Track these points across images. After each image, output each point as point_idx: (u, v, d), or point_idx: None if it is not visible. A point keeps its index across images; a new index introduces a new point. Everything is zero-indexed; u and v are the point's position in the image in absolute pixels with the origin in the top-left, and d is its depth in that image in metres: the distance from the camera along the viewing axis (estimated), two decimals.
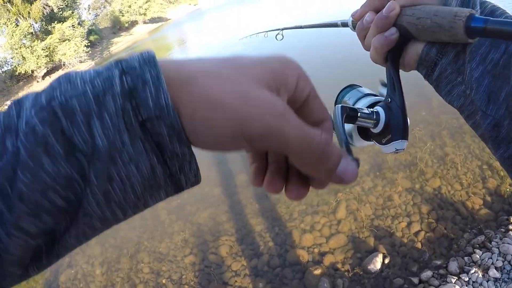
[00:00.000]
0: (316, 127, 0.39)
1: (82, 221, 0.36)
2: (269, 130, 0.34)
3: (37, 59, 30.48)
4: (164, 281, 4.29)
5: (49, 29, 33.67)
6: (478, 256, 3.24)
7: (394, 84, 0.74)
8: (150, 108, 0.34)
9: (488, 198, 3.87)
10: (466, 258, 3.28)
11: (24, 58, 30.30)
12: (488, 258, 3.19)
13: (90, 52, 35.76)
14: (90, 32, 40.24)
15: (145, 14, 51.92)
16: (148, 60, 0.35)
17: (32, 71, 31.05)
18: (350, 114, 0.72)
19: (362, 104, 0.80)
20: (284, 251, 3.99)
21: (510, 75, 0.52)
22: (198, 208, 5.16)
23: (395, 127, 0.73)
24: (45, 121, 0.32)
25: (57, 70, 32.82)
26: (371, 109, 0.76)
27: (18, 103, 0.35)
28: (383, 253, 3.56)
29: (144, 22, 52.78)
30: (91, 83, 0.34)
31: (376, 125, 0.75)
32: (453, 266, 3.22)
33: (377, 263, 3.46)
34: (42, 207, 0.33)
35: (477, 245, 3.37)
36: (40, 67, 31.28)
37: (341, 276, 3.55)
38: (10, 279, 0.37)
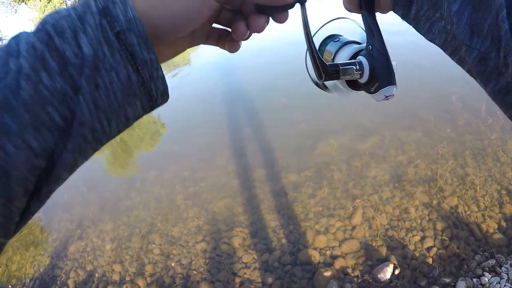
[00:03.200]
0: None
1: (78, 132, 0.42)
2: None
3: None
4: (173, 264, 4.37)
5: None
6: (487, 279, 3.27)
7: (372, 30, 0.72)
8: (121, 21, 0.43)
9: (503, 224, 3.89)
10: (475, 279, 3.31)
11: None
12: (497, 283, 3.21)
13: None
14: None
15: None
16: None
17: None
18: (332, 70, 0.73)
19: (344, 55, 0.79)
20: (297, 250, 4.05)
21: (491, 4, 0.48)
22: (214, 197, 5.22)
23: (380, 74, 0.72)
24: (43, 40, 0.40)
25: None
26: (354, 60, 0.75)
27: (16, 37, 0.42)
28: (394, 264, 3.60)
29: None
30: (73, 8, 0.43)
31: (361, 75, 0.74)
32: (461, 285, 3.25)
33: (387, 272, 3.51)
34: (42, 121, 0.39)
35: (487, 268, 3.40)
36: None
37: (350, 281, 3.60)
38: (18, 204, 0.41)
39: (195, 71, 13.11)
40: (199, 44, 0.63)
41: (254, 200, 4.94)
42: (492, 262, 3.43)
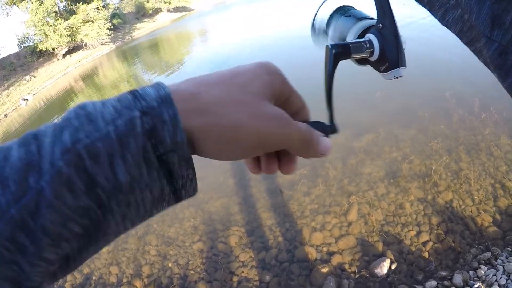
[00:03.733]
0: (299, 119, 0.51)
1: (102, 239, 0.40)
2: (283, 138, 0.44)
3: (59, 37, 30.63)
4: (170, 264, 4.37)
5: (74, 9, 33.78)
6: (483, 272, 3.29)
7: (383, 8, 0.70)
8: (167, 144, 0.38)
9: (498, 217, 3.91)
10: (471, 272, 3.33)
11: (46, 35, 30.44)
12: (493, 275, 3.23)
13: (112, 35, 35.87)
14: (113, 15, 40.31)
15: (169, 3, 52.01)
16: (165, 99, 0.39)
17: (53, 49, 31.20)
18: (342, 51, 0.69)
19: (353, 32, 0.77)
20: (293, 247, 4.06)
21: None
22: (211, 197, 5.23)
23: (391, 55, 0.71)
24: (71, 163, 0.35)
25: (78, 50, 32.96)
26: (364, 39, 0.73)
27: (36, 138, 0.37)
28: (391, 259, 3.62)
29: (168, 11, 52.87)
30: (114, 124, 0.37)
31: (371, 54, 0.73)
32: (458, 278, 3.27)
33: (384, 267, 3.52)
34: (62, 237, 0.36)
35: (483, 261, 3.42)
36: (61, 45, 31.43)
37: (348, 277, 3.61)
38: None
39: (188, 70, 13.13)
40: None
41: (250, 199, 4.95)
42: (487, 255, 3.45)
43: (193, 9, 56.93)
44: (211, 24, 30.20)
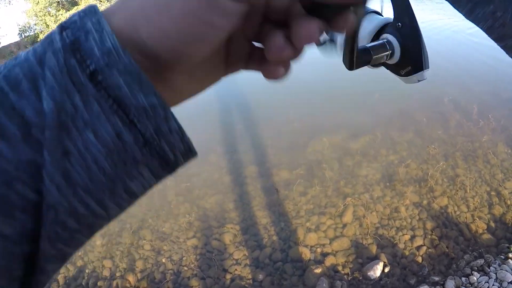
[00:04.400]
0: None
1: (48, 217, 0.30)
2: None
3: None
4: (164, 260, 4.36)
5: (76, 0, 33.64)
6: (476, 279, 3.30)
7: (402, 5, 0.63)
8: (96, 56, 0.30)
9: (492, 224, 3.93)
10: (463, 278, 3.34)
11: (47, 26, 30.19)
12: (485, 282, 3.24)
13: None
14: None
15: None
16: (88, 11, 0.32)
17: None
18: (364, 58, 0.66)
19: (369, 28, 0.72)
20: (287, 247, 4.06)
21: None
22: (206, 193, 5.21)
23: (413, 56, 0.65)
24: None
25: None
26: (382, 40, 0.68)
27: None
28: (384, 262, 3.63)
29: None
30: (33, 49, 0.31)
31: (391, 56, 0.68)
32: (450, 284, 3.29)
33: (377, 270, 3.53)
34: (12, 203, 0.29)
35: (476, 268, 3.43)
36: None
37: (341, 278, 3.62)
38: None
39: None
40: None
41: (245, 196, 4.94)
42: (480, 261, 3.47)
43: None
44: None
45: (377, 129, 5.65)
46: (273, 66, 0.40)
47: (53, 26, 29.30)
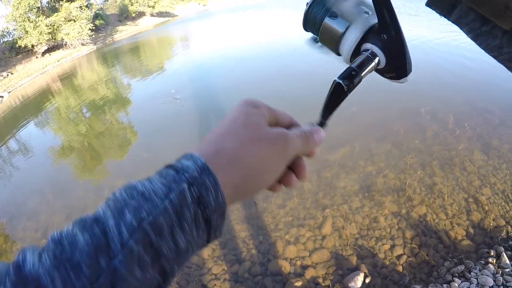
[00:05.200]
0: (293, 127, 0.60)
1: None
2: (294, 146, 0.54)
3: (40, 34, 29.92)
4: None
5: (57, 6, 33.15)
6: (457, 285, 3.28)
7: (387, 16, 0.62)
8: (212, 206, 0.44)
9: (471, 230, 3.93)
10: (445, 285, 3.32)
11: (26, 31, 29.74)
12: None
13: (93, 36, 35.32)
14: (96, 16, 39.68)
15: (153, 7, 51.59)
16: (203, 168, 0.45)
17: (33, 46, 30.39)
18: (353, 84, 0.64)
19: (348, 44, 0.69)
20: (267, 260, 4.00)
21: None
22: None
23: (397, 66, 0.66)
24: (139, 241, 0.39)
25: (58, 49, 32.31)
26: (366, 54, 0.66)
27: (98, 221, 0.40)
28: (365, 273, 3.59)
29: (152, 15, 52.53)
30: (168, 199, 0.42)
31: (377, 65, 0.67)
32: None
33: (358, 281, 3.49)
34: None
35: (457, 274, 3.42)
36: (41, 43, 30.67)
37: None
38: None
39: (168, 77, 13.07)
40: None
41: None
42: (461, 268, 3.46)
43: (177, 15, 56.69)
44: (193, 31, 30.12)
45: (355, 140, 5.67)
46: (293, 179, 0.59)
47: (32, 32, 28.88)
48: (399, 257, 3.74)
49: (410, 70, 0.67)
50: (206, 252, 4.26)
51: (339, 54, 0.73)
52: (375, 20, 0.65)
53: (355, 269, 3.69)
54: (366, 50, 0.67)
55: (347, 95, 0.65)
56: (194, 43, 23.99)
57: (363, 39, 0.67)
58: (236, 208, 4.82)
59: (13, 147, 10.88)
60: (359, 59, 0.65)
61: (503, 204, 4.22)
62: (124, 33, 40.32)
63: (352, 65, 0.65)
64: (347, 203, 4.51)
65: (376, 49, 0.65)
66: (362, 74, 0.64)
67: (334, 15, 0.68)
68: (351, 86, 0.64)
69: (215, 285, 3.91)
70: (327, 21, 0.69)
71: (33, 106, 16.47)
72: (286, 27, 18.98)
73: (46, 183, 7.12)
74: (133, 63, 21.40)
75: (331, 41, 0.71)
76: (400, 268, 3.62)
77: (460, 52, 9.14)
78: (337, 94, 0.66)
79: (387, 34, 0.63)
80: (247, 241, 4.30)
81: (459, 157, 5.03)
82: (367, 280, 3.54)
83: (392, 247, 3.85)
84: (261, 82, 9.57)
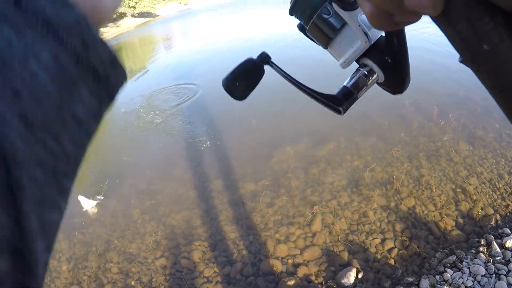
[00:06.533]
0: None
1: (19, 178, 0.28)
2: None
3: None
4: (133, 282, 4.21)
5: None
6: (449, 275, 3.30)
7: (397, 42, 0.62)
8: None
9: (460, 220, 3.95)
10: (437, 276, 3.34)
11: None
12: (459, 278, 3.26)
13: None
14: None
15: (134, 8, 51.23)
16: None
17: None
18: (349, 98, 0.69)
19: (347, 59, 0.68)
20: (258, 260, 3.98)
21: None
22: (172, 210, 5.09)
23: (395, 86, 0.68)
24: None
25: None
26: (363, 71, 0.67)
27: None
28: (357, 268, 3.59)
29: (133, 16, 52.12)
30: None
31: (374, 81, 0.68)
32: (425, 283, 3.27)
33: (350, 277, 3.48)
34: None
35: (448, 265, 3.44)
36: None
37: None
38: None
39: (151, 78, 13.03)
40: None
41: (212, 211, 4.84)
42: (452, 258, 3.48)
43: (158, 15, 56.29)
44: (175, 30, 29.99)
45: (340, 135, 5.66)
46: None
47: None
48: (390, 250, 3.74)
49: (408, 85, 0.68)
50: (196, 255, 4.23)
51: (326, 48, 0.72)
52: (381, 33, 0.64)
53: (347, 265, 3.68)
54: (364, 65, 0.67)
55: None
56: (176, 42, 23.87)
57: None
58: (225, 208, 4.80)
59: None
60: (357, 79, 0.68)
61: (491, 193, 4.25)
62: (105, 35, 38.53)
63: (348, 85, 0.69)
64: (336, 199, 4.50)
65: (376, 69, 0.65)
66: (358, 96, 0.69)
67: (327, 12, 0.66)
68: (346, 108, 0.70)
69: None
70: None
71: None
72: (266, 23, 19.02)
73: None
74: None
75: (322, 36, 0.69)
76: (392, 262, 3.63)
77: (438, 41, 9.20)
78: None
79: (392, 58, 0.63)
80: (237, 242, 4.27)
81: (445, 148, 5.05)
82: (360, 275, 3.54)
83: (383, 240, 3.85)
84: None
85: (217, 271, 4.02)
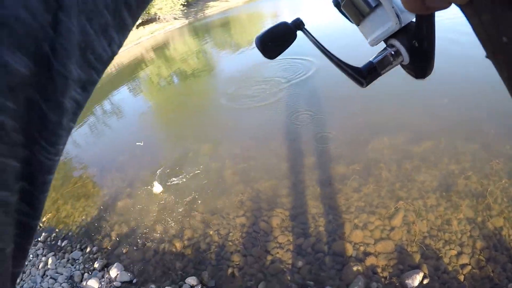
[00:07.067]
0: None
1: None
2: None
3: None
4: (211, 232, 4.56)
5: None
6: None
7: (425, 28, 0.64)
8: None
9: None
10: None
11: None
12: None
13: (185, 11, 36.04)
14: None
15: None
16: None
17: None
18: (372, 73, 0.72)
19: (375, 35, 0.72)
20: (332, 240, 4.12)
21: None
22: (261, 177, 5.34)
23: (418, 70, 0.70)
24: None
25: (151, 22, 33.53)
26: (390, 50, 0.71)
27: None
28: (425, 273, 3.60)
29: None
30: None
31: (398, 63, 0.71)
32: None
33: (415, 280, 3.51)
34: None
35: None
36: None
37: (378, 280, 3.64)
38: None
39: (256, 52, 13.13)
40: None
41: (299, 185, 5.01)
42: None
43: None
44: (284, 8, 29.69)
45: (441, 135, 5.49)
46: None
47: None
48: (463, 266, 3.68)
49: (429, 74, 0.69)
50: (275, 221, 4.47)
51: (358, 25, 0.77)
52: (412, 18, 0.67)
53: (416, 267, 3.69)
54: (392, 45, 0.71)
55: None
56: (285, 19, 23.61)
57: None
58: (312, 185, 4.95)
59: (107, 108, 11.73)
60: (383, 58, 0.72)
61: None
62: (214, 8, 40.60)
63: (374, 61, 0.72)
64: (423, 199, 4.45)
65: (403, 51, 0.69)
66: (381, 73, 0.72)
67: None
68: (369, 82, 0.72)
69: (277, 253, 4.11)
70: None
71: (127, 73, 17.42)
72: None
73: (135, 143, 7.73)
74: (223, 37, 21.78)
75: (356, 12, 0.74)
76: (461, 278, 3.57)
77: None
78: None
79: (419, 42, 0.66)
80: (317, 218, 4.43)
81: None
82: (425, 281, 3.54)
83: (459, 254, 3.79)
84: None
85: (291, 240, 4.23)
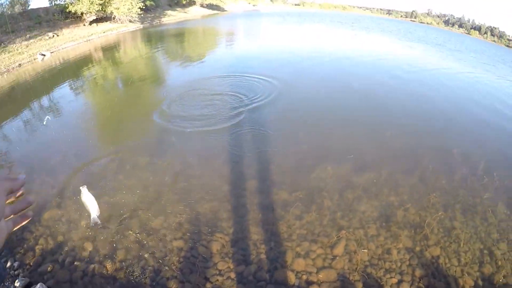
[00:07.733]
0: None
1: None
2: None
3: (91, 4, 30.48)
4: (146, 255, 4.31)
5: None
6: None
7: None
8: None
9: (480, 282, 3.90)
10: None
11: None
12: None
13: (142, 15, 35.87)
14: None
15: None
16: None
17: (82, 14, 31.04)
18: None
19: None
20: (273, 268, 4.02)
21: None
22: (202, 198, 5.18)
23: None
24: None
25: (105, 21, 32.97)
26: None
27: None
28: None
29: (202, 6, 53.05)
30: None
31: None
32: None
33: None
34: None
35: None
36: (90, 12, 31.36)
37: None
38: None
39: (206, 68, 13.18)
40: None
41: (241, 209, 4.91)
42: None
43: (226, 10, 57.31)
44: (239, 28, 30.27)
45: (383, 167, 5.65)
46: None
47: (84, 0, 29.63)
48: None
49: None
50: (215, 246, 4.32)
51: None
52: None
53: None
54: None
55: None
56: (239, 40, 24.05)
57: None
58: (254, 210, 4.86)
59: (45, 104, 11.15)
60: None
61: None
62: (172, 17, 40.86)
63: None
64: (364, 229, 4.51)
65: None
66: None
67: None
68: None
69: (217, 280, 3.95)
70: None
71: (72, 70, 16.81)
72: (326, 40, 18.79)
73: (71, 145, 7.30)
74: (175, 48, 21.67)
75: None
76: None
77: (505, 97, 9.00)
78: None
79: None
80: (258, 244, 4.34)
81: (483, 206, 4.99)
82: None
83: (400, 282, 3.84)
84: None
85: (231, 267, 4.09)
